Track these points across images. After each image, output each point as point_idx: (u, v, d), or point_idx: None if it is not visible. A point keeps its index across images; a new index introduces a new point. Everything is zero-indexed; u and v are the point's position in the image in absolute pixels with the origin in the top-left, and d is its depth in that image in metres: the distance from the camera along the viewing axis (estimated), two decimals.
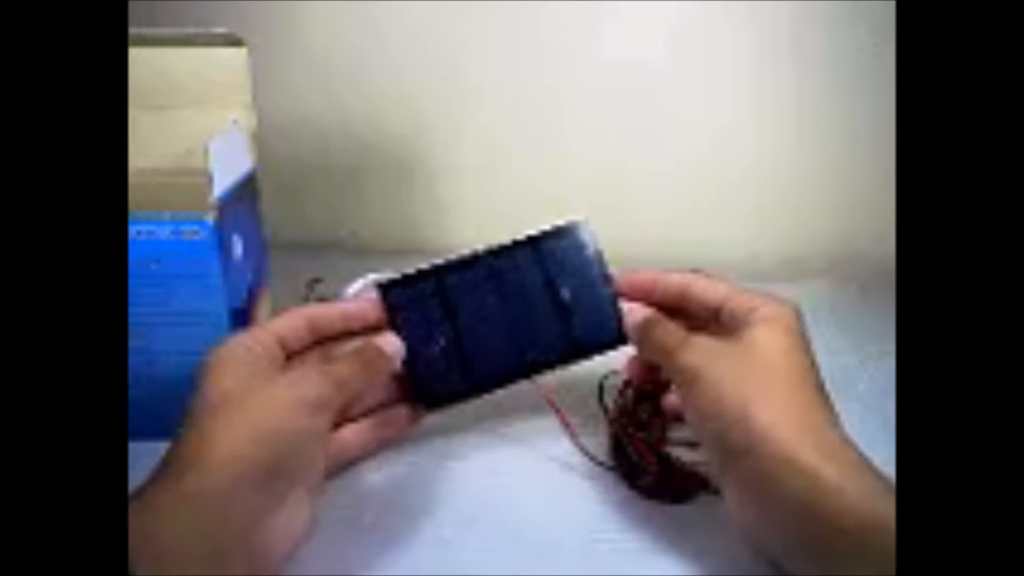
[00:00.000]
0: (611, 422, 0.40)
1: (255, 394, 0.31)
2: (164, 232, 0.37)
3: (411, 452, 0.40)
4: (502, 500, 0.37)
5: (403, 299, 0.39)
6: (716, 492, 0.36)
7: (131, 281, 0.37)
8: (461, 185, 0.68)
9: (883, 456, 0.29)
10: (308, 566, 0.33)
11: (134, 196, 0.33)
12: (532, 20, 0.62)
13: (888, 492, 0.27)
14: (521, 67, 0.64)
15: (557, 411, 0.40)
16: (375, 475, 0.39)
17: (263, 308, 0.47)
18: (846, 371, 0.33)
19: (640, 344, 0.38)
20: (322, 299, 0.52)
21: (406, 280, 0.39)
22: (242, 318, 0.42)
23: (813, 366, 0.32)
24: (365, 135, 0.67)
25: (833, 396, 0.32)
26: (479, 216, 0.64)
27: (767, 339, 0.32)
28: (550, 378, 0.40)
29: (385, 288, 0.39)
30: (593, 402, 0.42)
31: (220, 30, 0.43)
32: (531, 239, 0.40)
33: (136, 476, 0.28)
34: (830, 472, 0.28)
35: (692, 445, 0.39)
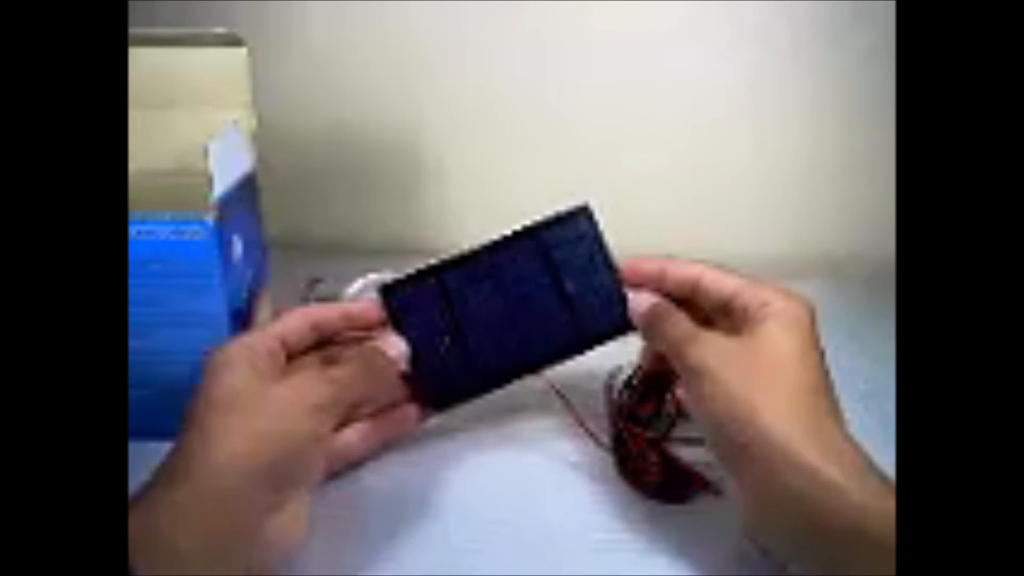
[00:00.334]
0: (613, 421, 0.40)
1: (257, 396, 0.31)
2: (164, 232, 0.37)
3: (412, 452, 0.40)
4: (502, 500, 0.37)
5: (405, 300, 0.38)
6: (718, 492, 0.36)
7: (131, 281, 0.37)
8: (461, 185, 0.68)
9: (883, 456, 0.29)
10: (308, 566, 0.33)
11: (134, 196, 0.33)
12: (532, 20, 0.62)
13: (891, 493, 0.27)
14: (522, 67, 0.64)
15: (563, 398, 0.40)
16: (375, 475, 0.39)
17: (263, 308, 0.47)
18: (846, 371, 0.33)
19: (647, 335, 0.37)
20: (322, 299, 0.52)
21: (407, 281, 0.39)
22: (242, 318, 0.42)
23: (823, 365, 0.32)
24: (365, 135, 0.67)
25: None
26: (479, 216, 0.64)
27: (778, 338, 0.32)
28: (555, 373, 0.40)
29: (386, 290, 0.39)
30: (593, 401, 0.42)
31: (220, 30, 0.43)
32: (531, 229, 0.39)
33: (136, 476, 0.28)
34: (834, 474, 0.28)
35: (694, 444, 0.39)
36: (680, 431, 0.39)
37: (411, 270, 0.39)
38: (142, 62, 0.42)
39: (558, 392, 0.40)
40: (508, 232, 0.39)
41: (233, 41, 0.43)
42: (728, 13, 0.61)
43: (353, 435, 0.37)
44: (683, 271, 0.37)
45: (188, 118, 0.44)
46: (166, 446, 0.30)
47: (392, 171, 0.68)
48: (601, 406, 0.41)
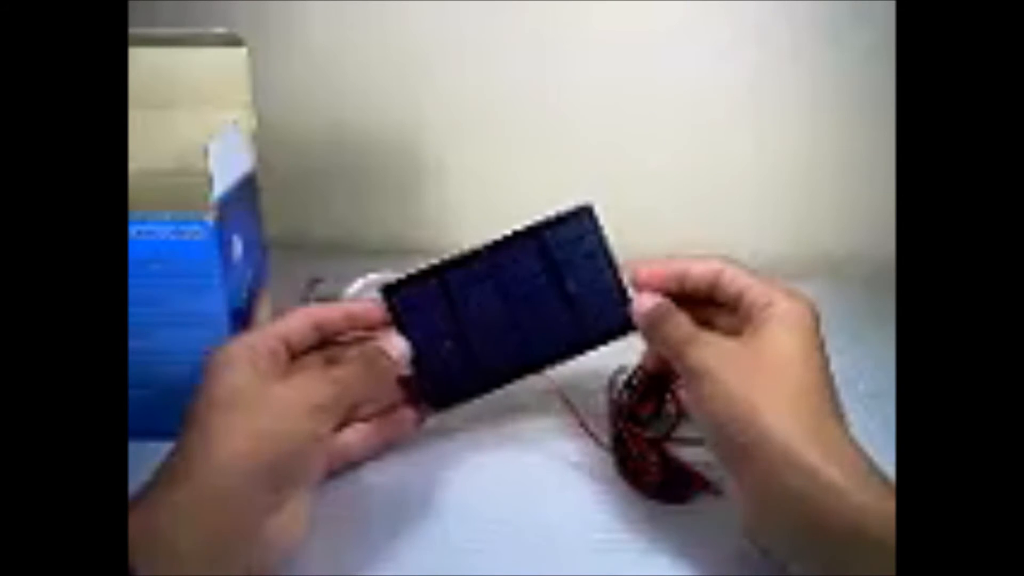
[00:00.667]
0: (613, 421, 0.40)
1: (258, 395, 0.31)
2: (164, 232, 0.37)
3: (412, 452, 0.40)
4: (503, 500, 0.37)
5: (407, 300, 0.38)
6: (718, 492, 0.36)
7: (131, 281, 0.37)
8: (461, 185, 0.68)
9: (884, 457, 0.29)
10: (308, 566, 0.33)
11: (134, 196, 0.33)
12: (532, 20, 0.62)
13: (892, 495, 0.27)
14: (522, 67, 0.64)
15: (564, 398, 0.40)
16: (376, 475, 0.39)
17: (263, 308, 0.47)
18: (846, 371, 0.33)
19: (648, 337, 0.37)
20: (322, 299, 0.52)
21: (408, 281, 0.39)
22: (242, 318, 0.42)
23: (825, 366, 0.32)
24: (365, 135, 0.67)
25: None
26: (479, 216, 0.64)
27: (781, 339, 0.32)
28: (555, 373, 0.40)
29: (388, 290, 0.39)
30: (593, 401, 0.42)
31: (220, 30, 0.43)
32: (533, 228, 0.39)
33: (136, 476, 0.28)
34: (835, 474, 0.28)
35: (694, 444, 0.38)
36: (680, 431, 0.39)
37: (413, 270, 0.39)
38: (142, 62, 0.42)
39: (559, 391, 0.40)
40: (510, 231, 0.39)
41: (233, 41, 0.43)
42: (728, 13, 0.61)
43: (353, 435, 0.37)
44: (705, 267, 0.36)
45: (188, 118, 0.44)
46: (166, 446, 0.30)
47: (392, 171, 0.68)
48: (601, 406, 0.41)
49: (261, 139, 0.46)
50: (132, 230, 0.37)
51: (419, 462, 0.40)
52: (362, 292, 0.47)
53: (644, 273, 0.38)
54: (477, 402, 0.39)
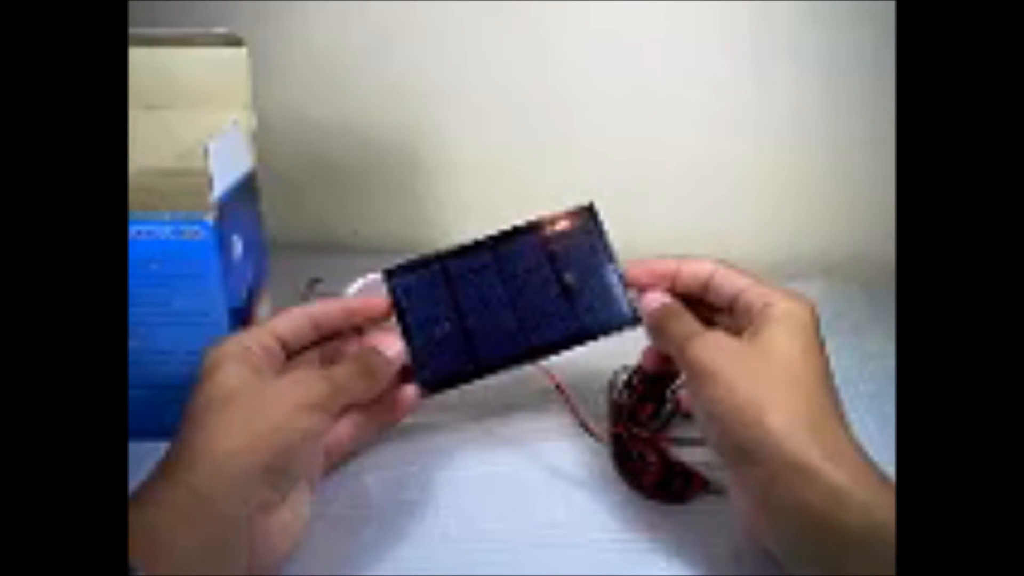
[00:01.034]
0: (613, 421, 0.40)
1: (255, 394, 0.31)
2: (164, 232, 0.37)
3: (412, 452, 0.40)
4: (502, 500, 0.37)
5: (407, 284, 0.39)
6: (717, 492, 0.36)
7: (131, 281, 0.37)
8: (462, 184, 0.68)
9: (883, 456, 0.29)
10: (308, 566, 0.33)
11: (134, 196, 0.33)
12: (533, 20, 0.62)
13: (893, 495, 0.27)
14: (522, 66, 0.64)
15: (563, 395, 0.40)
16: (376, 475, 0.39)
17: (263, 308, 0.47)
18: (846, 371, 0.33)
19: (654, 334, 0.37)
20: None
21: (411, 266, 0.40)
22: (241, 318, 0.42)
23: (827, 367, 0.32)
24: (365, 135, 0.67)
25: None
26: (480, 215, 0.64)
27: (783, 340, 0.32)
28: (556, 373, 0.40)
29: (390, 273, 0.39)
30: (593, 402, 0.42)
31: (220, 30, 0.43)
32: (536, 224, 0.40)
33: (136, 476, 0.28)
34: (838, 477, 0.28)
35: (693, 444, 0.39)
36: (680, 431, 0.39)
37: (416, 257, 0.39)
38: (142, 62, 0.42)
39: (558, 387, 0.40)
40: (513, 225, 0.40)
41: (233, 41, 0.43)
42: (728, 13, 0.61)
43: (346, 426, 0.37)
44: (696, 268, 0.37)
45: (188, 118, 0.44)
46: (166, 446, 0.30)
47: (392, 170, 0.68)
48: (601, 406, 0.41)
49: (261, 139, 0.46)
50: (132, 230, 0.37)
51: (418, 462, 0.40)
52: (362, 292, 0.47)
53: (634, 272, 0.38)
54: (476, 402, 0.39)
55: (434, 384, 0.39)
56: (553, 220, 0.40)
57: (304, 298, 0.54)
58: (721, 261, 0.37)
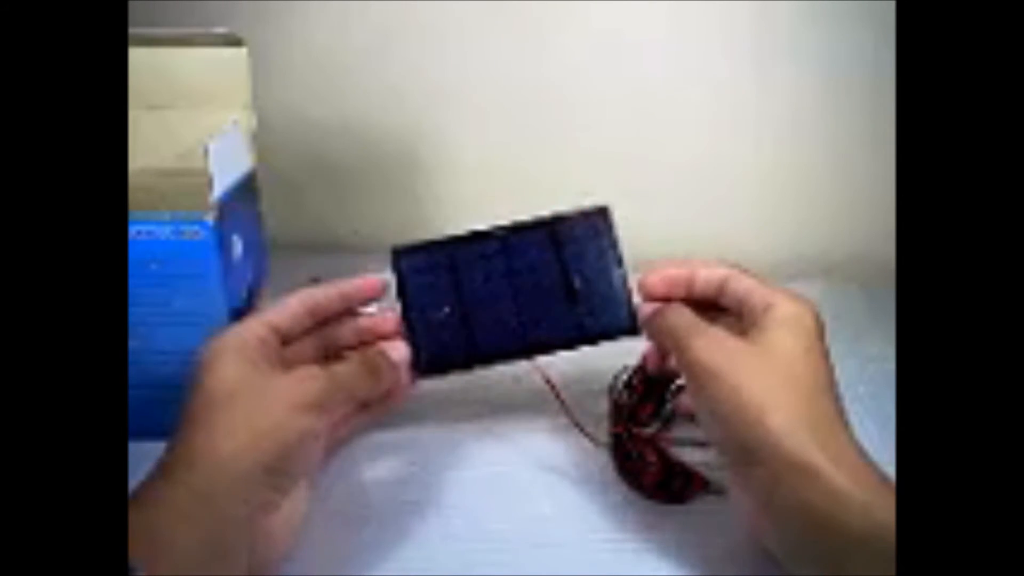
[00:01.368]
0: (613, 421, 0.40)
1: (256, 391, 0.31)
2: (164, 232, 0.37)
3: (411, 452, 0.40)
4: (502, 500, 0.37)
5: (413, 265, 0.39)
6: (717, 493, 0.36)
7: (131, 281, 0.37)
8: (462, 184, 0.68)
9: (883, 456, 0.29)
10: (308, 565, 0.33)
11: (134, 196, 0.33)
12: (533, 20, 0.62)
13: (893, 496, 0.27)
14: (522, 66, 0.64)
15: (558, 397, 0.40)
16: (376, 475, 0.39)
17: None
18: (846, 371, 0.33)
19: (651, 331, 0.37)
20: None
21: (420, 247, 0.39)
22: (241, 318, 0.42)
23: (829, 370, 0.32)
24: (365, 135, 0.67)
25: None
26: (480, 215, 0.64)
27: (785, 341, 0.32)
28: (555, 373, 0.40)
29: (397, 253, 0.39)
30: (593, 402, 0.42)
31: (220, 30, 0.43)
32: (549, 220, 0.40)
33: (136, 475, 0.28)
34: (840, 478, 0.28)
35: (693, 445, 0.39)
36: (680, 431, 0.39)
37: (424, 241, 0.39)
38: (142, 62, 0.42)
39: (551, 386, 0.40)
40: (526, 219, 0.40)
41: (233, 41, 0.43)
42: (728, 13, 0.61)
43: (343, 416, 0.37)
44: (711, 273, 0.36)
45: (188, 118, 0.44)
46: (166, 446, 0.30)
47: (392, 171, 0.68)
48: (601, 407, 0.41)
49: (261, 139, 0.46)
50: (132, 230, 0.37)
51: (418, 462, 0.40)
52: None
53: (651, 280, 0.38)
54: (476, 402, 0.39)
55: (427, 368, 0.39)
56: (567, 218, 0.40)
57: None
58: (733, 264, 0.37)
